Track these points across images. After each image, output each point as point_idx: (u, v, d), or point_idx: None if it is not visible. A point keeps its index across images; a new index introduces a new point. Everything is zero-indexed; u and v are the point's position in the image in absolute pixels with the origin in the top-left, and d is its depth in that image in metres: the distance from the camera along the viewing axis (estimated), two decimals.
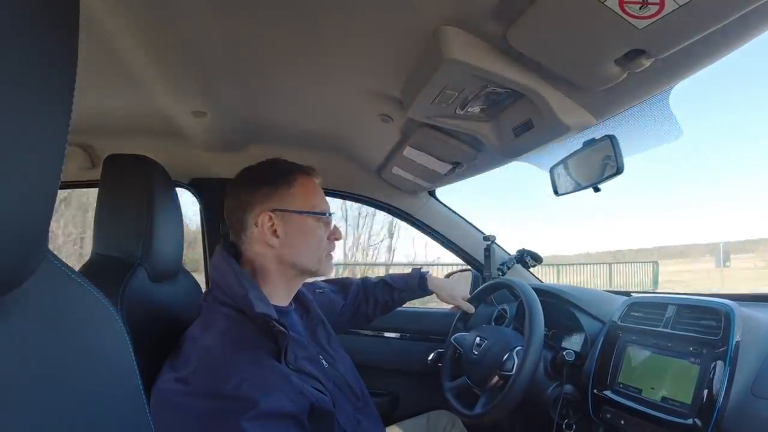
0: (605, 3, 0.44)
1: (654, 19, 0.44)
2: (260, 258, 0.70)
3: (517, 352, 0.91)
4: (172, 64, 0.77)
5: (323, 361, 0.73)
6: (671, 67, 0.55)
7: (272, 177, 0.72)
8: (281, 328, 0.60)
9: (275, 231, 0.69)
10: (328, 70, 0.80)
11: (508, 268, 1.32)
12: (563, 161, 0.95)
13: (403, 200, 1.43)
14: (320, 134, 1.15)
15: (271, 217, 0.69)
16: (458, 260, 1.49)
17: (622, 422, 0.79)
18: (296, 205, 0.71)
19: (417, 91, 0.74)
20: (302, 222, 0.71)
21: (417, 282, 1.08)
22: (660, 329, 0.81)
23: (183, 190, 1.35)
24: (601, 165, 0.83)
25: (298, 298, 0.79)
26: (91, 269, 0.68)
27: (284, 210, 0.70)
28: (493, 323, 1.17)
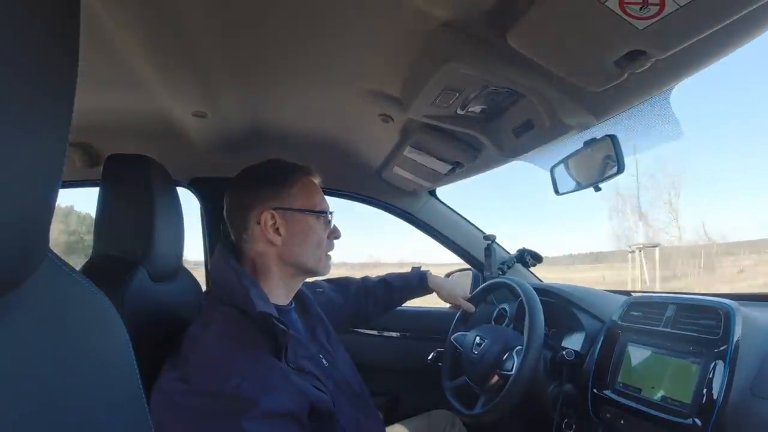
0: (605, 3, 0.44)
1: (654, 19, 0.44)
2: (261, 257, 0.71)
3: (517, 351, 0.90)
4: (173, 65, 0.77)
5: (323, 359, 0.73)
6: (672, 67, 0.55)
7: (274, 176, 0.72)
8: (282, 326, 0.60)
9: (277, 229, 0.70)
10: (329, 71, 0.80)
11: (509, 268, 1.32)
12: (564, 161, 0.95)
13: (404, 200, 1.43)
14: (320, 134, 1.15)
15: (273, 216, 0.69)
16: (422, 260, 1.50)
17: (622, 422, 0.79)
18: (298, 204, 0.71)
19: (417, 92, 0.74)
20: (304, 221, 0.72)
21: (417, 281, 1.09)
22: (660, 329, 0.81)
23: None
24: (602, 164, 0.83)
25: (298, 297, 0.79)
26: (91, 269, 0.68)
27: (286, 209, 0.70)
28: (493, 323, 1.17)
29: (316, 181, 0.77)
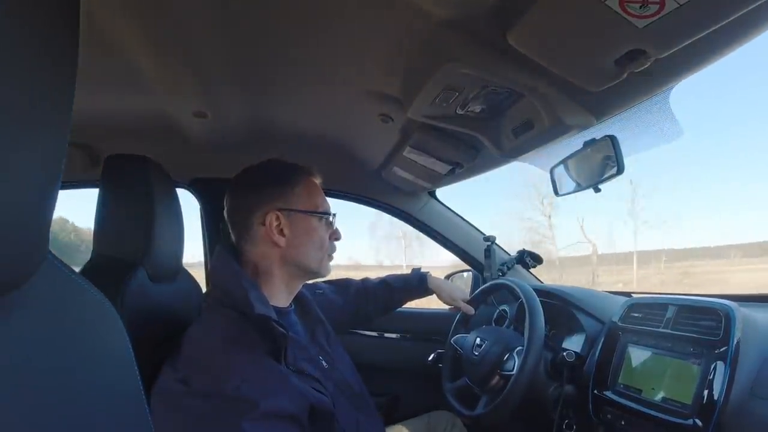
0: (606, 2, 0.44)
1: (654, 18, 0.44)
2: (263, 258, 0.70)
3: (517, 352, 0.90)
4: (173, 65, 0.77)
5: (323, 361, 0.73)
6: (671, 67, 0.55)
7: (277, 177, 0.72)
8: (281, 329, 0.60)
9: (282, 230, 0.69)
10: (329, 70, 0.80)
11: (509, 269, 1.32)
12: (563, 161, 0.95)
13: (403, 200, 1.43)
14: (320, 134, 1.15)
15: (278, 216, 0.69)
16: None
17: (623, 423, 0.78)
18: (300, 205, 0.71)
19: (417, 92, 0.74)
20: (307, 222, 0.72)
21: (417, 282, 1.08)
22: (660, 330, 0.81)
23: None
24: (602, 165, 0.83)
25: (298, 299, 0.79)
26: (91, 270, 0.68)
27: (291, 209, 0.70)
28: (493, 324, 1.17)
29: (318, 181, 0.77)
